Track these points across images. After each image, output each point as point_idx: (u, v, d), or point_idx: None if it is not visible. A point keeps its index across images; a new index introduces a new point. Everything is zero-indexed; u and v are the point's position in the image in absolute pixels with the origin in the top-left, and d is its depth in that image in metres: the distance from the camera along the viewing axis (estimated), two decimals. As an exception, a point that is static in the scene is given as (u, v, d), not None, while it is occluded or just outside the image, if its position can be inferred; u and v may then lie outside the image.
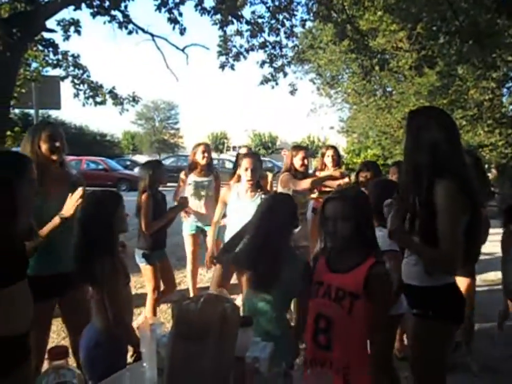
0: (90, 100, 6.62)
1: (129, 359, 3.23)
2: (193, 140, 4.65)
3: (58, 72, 6.57)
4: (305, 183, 3.90)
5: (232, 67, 8.54)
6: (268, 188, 4.93)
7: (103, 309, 1.98)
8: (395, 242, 2.17)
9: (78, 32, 6.31)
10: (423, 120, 2.00)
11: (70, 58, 6.31)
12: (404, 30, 9.56)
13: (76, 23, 6.30)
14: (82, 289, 2.30)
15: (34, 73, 5.90)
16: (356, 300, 1.78)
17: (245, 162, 3.34)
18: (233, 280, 4.41)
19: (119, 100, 6.78)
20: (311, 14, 8.27)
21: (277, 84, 9.16)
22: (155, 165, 3.83)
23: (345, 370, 1.75)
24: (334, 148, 4.92)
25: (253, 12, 8.11)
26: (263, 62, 8.87)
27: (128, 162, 23.94)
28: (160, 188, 3.88)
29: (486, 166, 20.19)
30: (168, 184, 5.03)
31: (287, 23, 8.20)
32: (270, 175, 4.77)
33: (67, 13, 8.73)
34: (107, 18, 6.50)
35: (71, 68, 6.40)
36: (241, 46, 8.45)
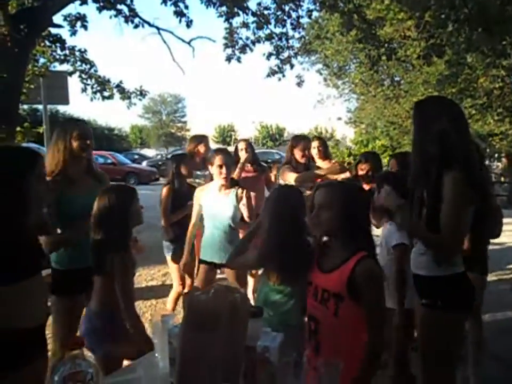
0: (98, 95, 6.67)
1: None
2: (200, 133, 4.55)
3: (65, 67, 6.63)
4: (290, 177, 3.68)
5: (238, 59, 8.51)
6: (273, 180, 4.88)
7: (102, 295, 2.10)
8: (403, 226, 2.15)
9: (85, 27, 6.33)
10: (431, 110, 1.99)
11: (77, 53, 6.35)
12: (412, 18, 9.43)
13: (82, 18, 6.32)
14: None
15: (42, 68, 5.94)
16: (340, 301, 1.67)
17: (217, 160, 3.21)
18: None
19: (126, 94, 6.81)
20: (317, 4, 8.18)
21: (283, 76, 9.12)
22: (179, 159, 3.85)
23: None
24: (320, 139, 4.62)
25: (259, 4, 8.03)
26: (270, 54, 8.83)
27: (136, 156, 24.07)
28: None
29: (496, 155, 20.03)
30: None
31: (293, 14, 8.14)
32: (275, 167, 4.72)
33: (73, 8, 8.78)
34: (113, 12, 6.51)
35: (79, 63, 6.45)
36: (247, 38, 8.42)
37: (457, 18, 7.87)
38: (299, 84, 9.66)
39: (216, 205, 3.27)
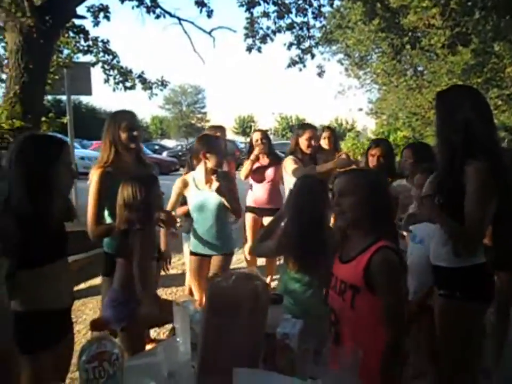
0: (120, 85, 6.76)
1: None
2: (220, 124, 4.45)
3: (88, 58, 6.73)
4: (291, 169, 3.47)
5: (259, 49, 8.49)
6: None
7: (122, 276, 2.19)
8: (425, 213, 2.11)
9: (107, 17, 6.41)
10: (454, 99, 1.96)
11: (100, 44, 6.44)
12: (437, 6, 9.18)
13: (105, 9, 6.39)
14: None
15: (66, 59, 6.05)
16: (357, 293, 1.62)
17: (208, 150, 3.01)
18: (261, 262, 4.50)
19: (148, 84, 6.88)
20: (340, -7, 8.08)
21: (304, 66, 9.06)
22: (193, 150, 3.80)
23: None
24: (331, 129, 4.44)
25: (280, -7, 7.98)
26: (291, 44, 8.77)
27: (157, 147, 24.29)
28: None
29: (523, 147, 19.47)
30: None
31: (315, 3, 8.07)
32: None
33: (96, -1, 8.88)
34: (135, 3, 6.57)
35: (101, 54, 6.53)
36: (268, 28, 8.39)
37: (484, 6, 7.65)
38: (320, 74, 9.59)
39: (201, 197, 3.08)
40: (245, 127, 48.98)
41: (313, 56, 8.95)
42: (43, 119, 4.75)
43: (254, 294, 1.39)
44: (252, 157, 4.10)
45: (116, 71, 6.67)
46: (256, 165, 4.19)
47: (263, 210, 4.18)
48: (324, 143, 4.21)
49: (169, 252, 3.17)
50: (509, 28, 7.72)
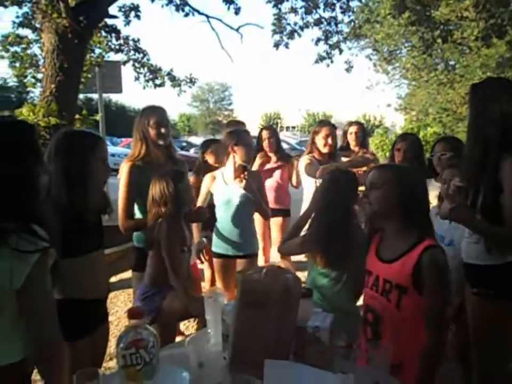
0: (150, 83, 6.88)
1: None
2: (247, 121, 4.39)
3: (119, 57, 6.88)
4: (304, 170, 3.28)
5: (286, 45, 8.45)
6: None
7: (153, 267, 2.27)
8: (454, 220, 2.07)
9: (138, 17, 6.52)
10: (490, 91, 1.90)
11: (131, 43, 6.56)
12: (470, -2, 8.96)
13: (136, 8, 6.51)
14: None
15: (98, 58, 6.20)
16: (404, 293, 1.60)
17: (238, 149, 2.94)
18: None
19: (176, 81, 6.97)
20: (368, -13, 7.95)
21: (332, 61, 8.97)
22: (205, 145, 3.69)
23: (395, 369, 1.46)
24: (359, 124, 4.17)
25: (308, -12, 7.92)
26: (318, 39, 8.69)
27: (184, 144, 24.53)
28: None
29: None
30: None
31: (343, -2, 7.96)
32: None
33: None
34: (165, 1, 6.67)
35: (132, 52, 6.66)
36: (295, 24, 8.32)
37: (520, -4, 7.38)
38: (348, 70, 9.46)
39: (228, 193, 2.98)
40: (271, 123, 48.91)
41: (341, 51, 8.85)
42: (77, 116, 4.90)
43: (285, 287, 1.40)
44: (260, 155, 3.95)
45: (146, 69, 6.79)
46: (266, 166, 4.03)
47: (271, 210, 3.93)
48: (351, 139, 4.01)
49: (201, 245, 3.14)
50: (547, 18, 7.43)
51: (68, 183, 1.77)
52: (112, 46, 6.39)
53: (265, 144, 4.03)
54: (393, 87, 21.98)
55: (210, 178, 3.10)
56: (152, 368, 1.17)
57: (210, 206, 3.13)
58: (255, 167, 3.92)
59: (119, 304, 4.01)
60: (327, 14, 8.21)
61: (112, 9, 6.91)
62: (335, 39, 8.72)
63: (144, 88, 6.87)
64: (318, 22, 8.26)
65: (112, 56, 6.98)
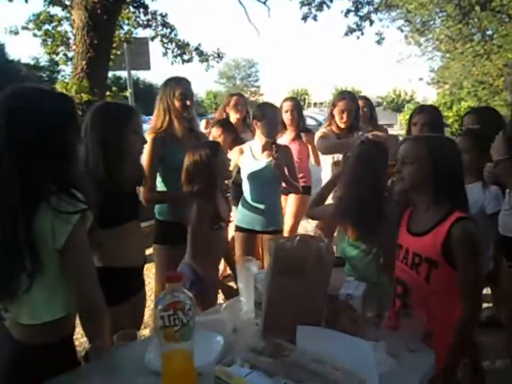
0: (178, 58, 6.87)
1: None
2: (274, 97, 4.23)
3: (147, 32, 6.88)
4: (317, 144, 3.19)
5: (315, 18, 8.27)
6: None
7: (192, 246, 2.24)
8: (498, 175, 1.99)
9: (165, -10, 6.50)
10: None
11: (158, 18, 6.54)
12: (511, -39, 8.44)
13: (162, -18, 6.47)
14: None
15: (127, 34, 6.23)
16: (434, 267, 1.59)
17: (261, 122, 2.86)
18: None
19: (204, 56, 6.94)
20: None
21: (362, 33, 8.73)
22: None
23: (425, 339, 1.47)
24: (365, 99, 4.00)
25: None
26: (348, 11, 8.45)
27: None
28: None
29: None
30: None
31: (375, -35, 7.67)
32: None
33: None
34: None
35: (160, 28, 6.65)
36: (325, -6, 8.11)
37: None
38: (379, 42, 9.22)
39: (256, 167, 2.91)
40: (299, 100, 48.24)
41: (371, 22, 8.60)
42: (107, 93, 4.97)
43: (318, 255, 1.42)
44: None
45: (173, 44, 6.78)
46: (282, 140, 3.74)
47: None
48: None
49: None
50: None
51: (104, 156, 1.82)
52: (140, 22, 6.39)
53: (286, 117, 3.80)
54: (426, 60, 21.18)
55: (238, 151, 3.05)
56: (189, 329, 1.21)
57: (235, 183, 3.12)
58: None
59: (151, 276, 4.12)
60: (358, -17, 7.95)
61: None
62: (365, 10, 8.47)
63: (172, 63, 6.90)
64: (348, -8, 8.02)
65: (140, 33, 6.99)
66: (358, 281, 1.53)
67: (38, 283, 1.27)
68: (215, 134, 3.47)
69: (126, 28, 6.34)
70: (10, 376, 1.34)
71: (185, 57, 6.88)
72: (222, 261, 3.39)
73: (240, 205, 3.05)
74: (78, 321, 1.43)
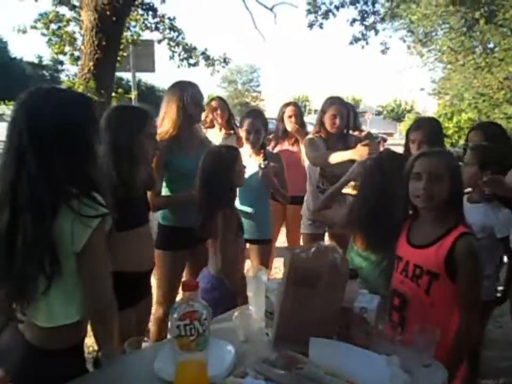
0: (185, 62, 6.86)
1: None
2: (274, 103, 4.16)
3: (155, 35, 6.88)
4: (306, 153, 3.05)
5: (320, 26, 8.33)
6: None
7: (216, 257, 2.11)
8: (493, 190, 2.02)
9: (173, -6, 6.51)
10: None
11: (166, 21, 6.54)
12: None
13: (170, -14, 6.49)
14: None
15: (134, 36, 6.23)
16: (435, 279, 1.60)
17: (245, 124, 2.82)
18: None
19: (211, 61, 6.94)
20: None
21: (367, 43, 8.78)
22: None
23: None
24: (350, 105, 3.77)
25: (345, -35, 7.72)
26: (354, 20, 8.50)
27: (212, 125, 24.56)
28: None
29: None
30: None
31: (381, -24, 7.73)
32: None
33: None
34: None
35: (167, 31, 6.65)
36: (331, 3, 8.17)
37: None
38: (383, 51, 9.27)
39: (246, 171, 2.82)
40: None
41: (377, 32, 8.66)
42: (113, 94, 4.96)
43: (333, 267, 1.41)
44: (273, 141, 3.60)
45: (180, 48, 6.77)
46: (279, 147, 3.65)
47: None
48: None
49: None
50: None
51: (115, 159, 1.80)
52: (148, 24, 6.39)
53: (289, 123, 3.62)
54: (428, 70, 21.28)
55: None
56: (205, 339, 1.20)
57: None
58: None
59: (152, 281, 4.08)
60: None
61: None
62: (371, 19, 8.51)
63: (178, 67, 6.87)
64: (354, 1, 8.07)
65: (147, 36, 7.00)
66: (371, 294, 1.52)
67: (55, 286, 1.26)
68: (213, 106, 3.59)
69: (133, 30, 6.34)
70: (21, 379, 1.32)
71: (192, 61, 6.88)
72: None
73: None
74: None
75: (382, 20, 8.90)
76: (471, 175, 2.20)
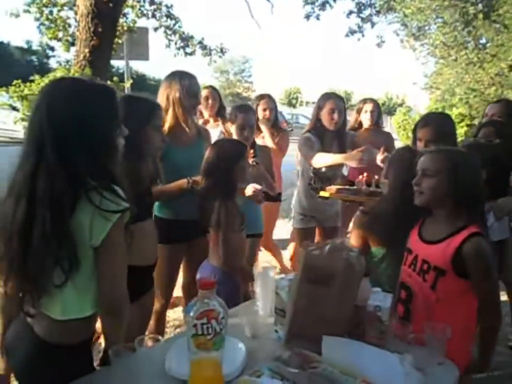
0: (181, 51, 6.76)
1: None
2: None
3: (151, 23, 6.75)
4: (302, 153, 2.98)
5: (317, 17, 8.29)
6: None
7: (218, 249, 2.10)
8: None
9: (169, -19, 6.38)
10: None
11: (163, 9, 6.42)
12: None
13: (167, -27, 6.35)
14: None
15: (130, 24, 6.11)
16: (441, 275, 1.60)
17: (239, 119, 2.67)
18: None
19: (207, 50, 6.84)
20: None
21: (363, 35, 8.79)
22: None
23: None
24: (374, 102, 3.76)
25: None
26: (350, 12, 8.48)
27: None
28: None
29: None
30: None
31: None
32: None
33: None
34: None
35: (164, 19, 6.53)
36: (328, -6, 8.10)
37: None
38: (379, 45, 9.26)
39: None
40: (291, 98, 48.24)
41: (373, 24, 8.68)
42: (108, 82, 4.86)
43: (348, 265, 1.39)
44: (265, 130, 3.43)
45: (177, 36, 6.65)
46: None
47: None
48: (365, 118, 3.68)
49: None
50: None
51: (123, 156, 1.75)
52: (145, 12, 6.27)
53: (263, 116, 3.51)
54: (420, 64, 21.33)
55: None
56: (222, 338, 1.17)
57: None
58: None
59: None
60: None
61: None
62: (367, 12, 8.47)
63: (175, 56, 6.77)
64: (351, -7, 8.02)
65: (141, 23, 6.86)
66: (384, 293, 1.51)
67: (71, 279, 1.23)
68: (205, 95, 3.42)
69: (129, 17, 6.21)
70: (29, 373, 1.31)
71: (188, 50, 6.78)
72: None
73: None
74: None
75: (378, 12, 8.85)
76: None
